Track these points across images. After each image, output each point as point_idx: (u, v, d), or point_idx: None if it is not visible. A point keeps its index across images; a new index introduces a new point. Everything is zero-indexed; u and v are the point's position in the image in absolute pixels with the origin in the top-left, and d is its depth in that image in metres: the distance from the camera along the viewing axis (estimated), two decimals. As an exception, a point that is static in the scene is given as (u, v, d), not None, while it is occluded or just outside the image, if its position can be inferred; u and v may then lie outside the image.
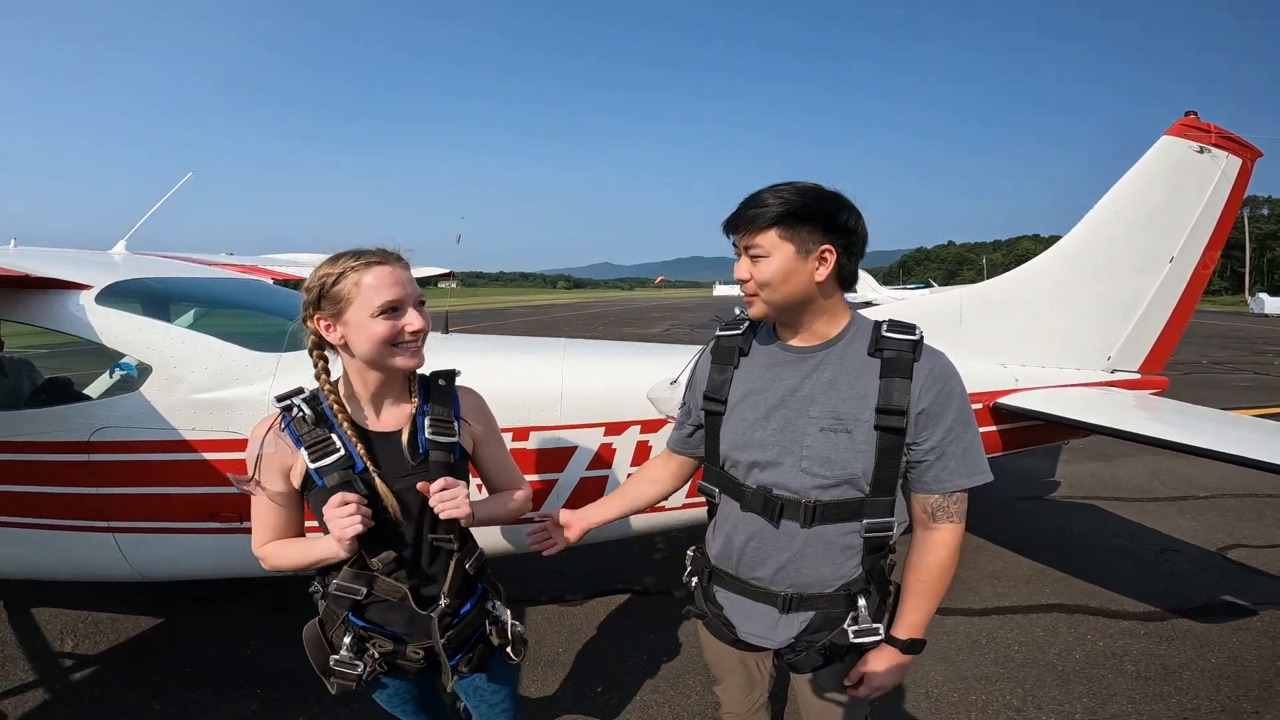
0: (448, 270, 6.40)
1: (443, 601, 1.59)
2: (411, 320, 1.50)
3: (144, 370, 2.70)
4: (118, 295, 2.90)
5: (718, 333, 1.68)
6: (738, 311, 1.74)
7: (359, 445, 1.53)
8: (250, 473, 1.53)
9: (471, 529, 1.70)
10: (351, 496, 1.44)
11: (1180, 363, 14.75)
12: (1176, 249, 3.97)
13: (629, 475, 1.89)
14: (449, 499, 1.50)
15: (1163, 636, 3.44)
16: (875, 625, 1.55)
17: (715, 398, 1.61)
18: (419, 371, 1.64)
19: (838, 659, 1.60)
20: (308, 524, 1.64)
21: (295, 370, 2.76)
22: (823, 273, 1.44)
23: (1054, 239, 4.15)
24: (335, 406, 1.55)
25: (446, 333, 3.62)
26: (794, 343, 1.55)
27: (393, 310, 1.48)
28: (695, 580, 1.78)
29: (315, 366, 1.57)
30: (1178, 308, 4.11)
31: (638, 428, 2.98)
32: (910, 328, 1.50)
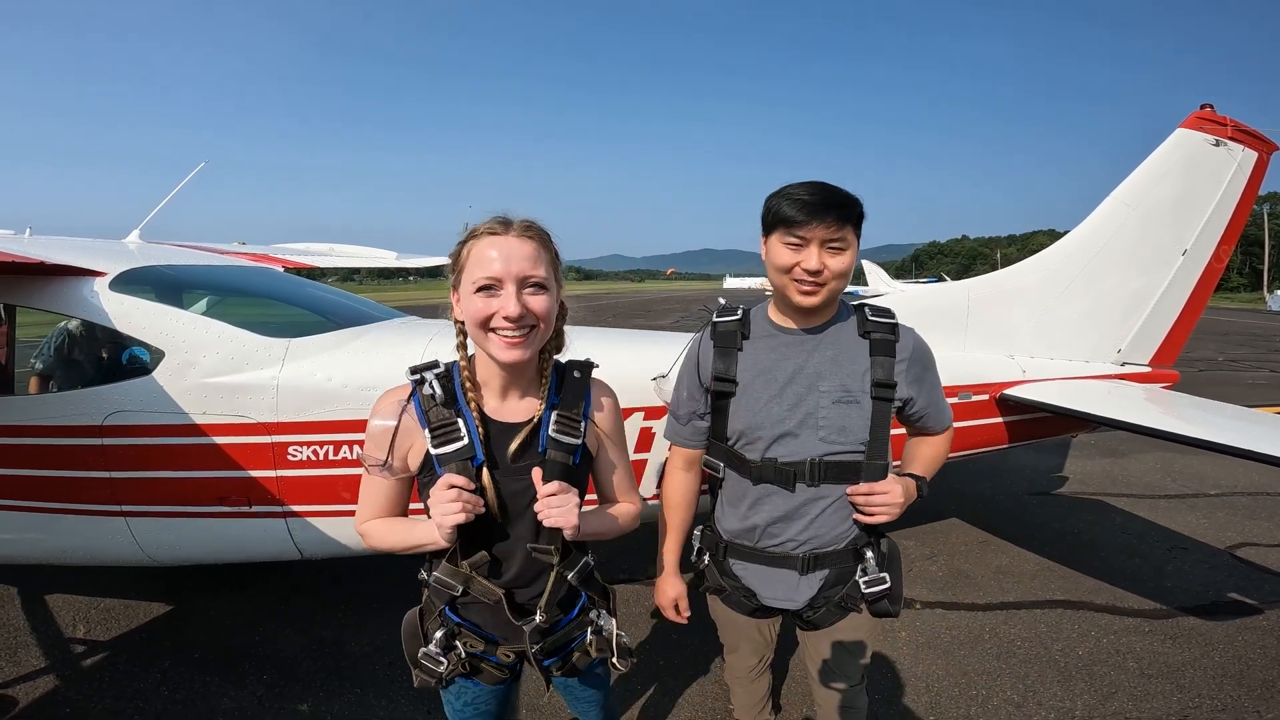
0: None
1: (538, 617, 1.46)
2: (506, 304, 1.31)
3: (156, 355, 2.75)
4: (131, 282, 2.94)
5: (714, 319, 1.77)
6: (721, 301, 1.84)
7: (483, 434, 1.41)
8: (384, 456, 1.41)
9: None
10: (460, 481, 1.32)
11: (1196, 359, 14.58)
12: (1190, 242, 3.93)
13: (666, 501, 1.90)
14: (557, 505, 1.36)
15: (1167, 634, 3.43)
16: (883, 574, 1.71)
17: (726, 378, 1.70)
18: (556, 359, 1.51)
19: (854, 609, 1.77)
20: (413, 505, 1.56)
21: (304, 356, 2.80)
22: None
23: (1069, 234, 4.11)
24: (468, 385, 1.43)
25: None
26: (797, 325, 1.69)
27: (487, 288, 1.32)
28: (708, 557, 1.88)
29: (457, 339, 1.45)
30: (1190, 301, 4.07)
31: (641, 414, 2.99)
32: (888, 312, 1.72)
